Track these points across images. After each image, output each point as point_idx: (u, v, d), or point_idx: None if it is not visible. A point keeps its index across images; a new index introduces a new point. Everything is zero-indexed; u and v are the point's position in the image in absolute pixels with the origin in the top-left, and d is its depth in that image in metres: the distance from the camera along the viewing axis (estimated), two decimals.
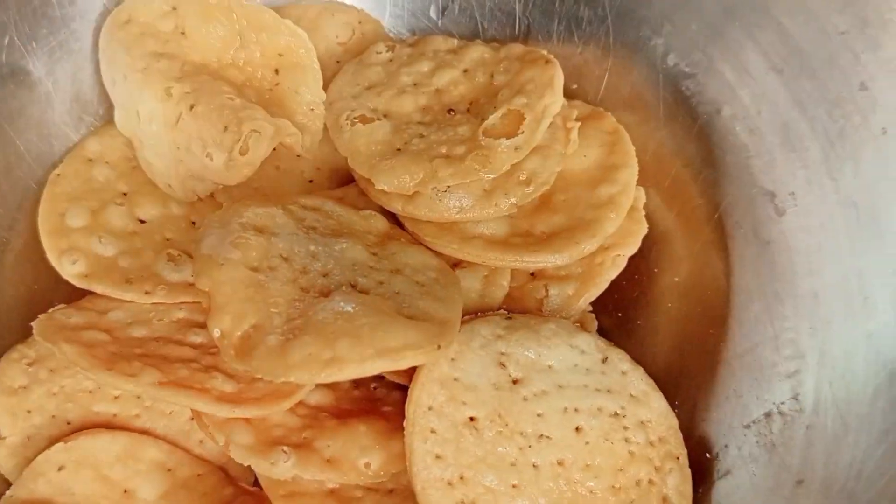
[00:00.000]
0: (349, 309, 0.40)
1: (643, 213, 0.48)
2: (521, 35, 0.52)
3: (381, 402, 0.45)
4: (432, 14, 0.53)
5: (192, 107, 0.46)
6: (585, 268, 0.48)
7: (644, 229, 0.48)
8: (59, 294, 0.47)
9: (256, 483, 0.45)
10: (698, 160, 0.47)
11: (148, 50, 0.48)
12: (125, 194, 0.50)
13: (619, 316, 0.49)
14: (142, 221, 0.50)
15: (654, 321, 0.48)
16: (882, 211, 0.39)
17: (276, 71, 0.51)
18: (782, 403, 0.42)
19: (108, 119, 0.52)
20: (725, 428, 0.44)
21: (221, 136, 0.46)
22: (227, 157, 0.46)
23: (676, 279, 0.48)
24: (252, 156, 0.45)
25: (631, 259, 0.48)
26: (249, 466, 0.44)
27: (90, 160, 0.51)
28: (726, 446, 0.43)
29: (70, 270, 0.47)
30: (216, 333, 0.40)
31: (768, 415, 0.42)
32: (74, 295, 0.47)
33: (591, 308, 0.48)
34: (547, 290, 0.47)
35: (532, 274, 0.48)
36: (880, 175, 0.39)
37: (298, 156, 0.51)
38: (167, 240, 0.49)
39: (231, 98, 0.46)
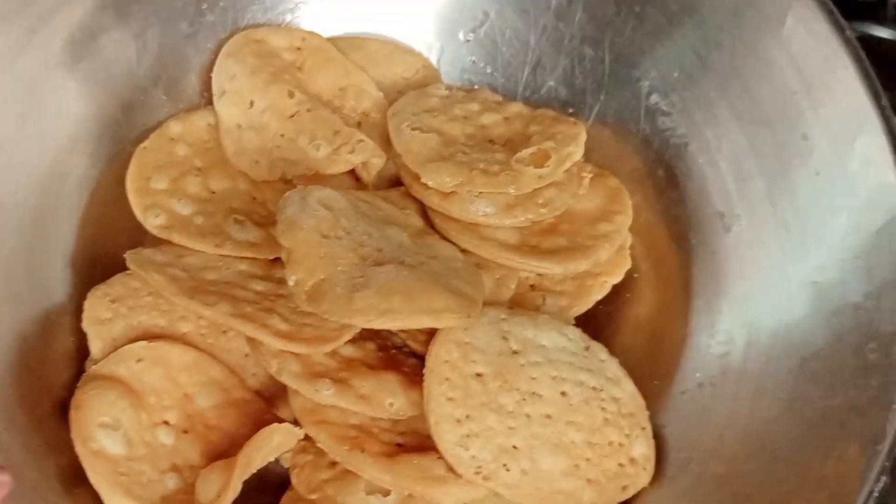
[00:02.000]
0: (403, 274, 0.50)
1: (629, 251, 0.60)
2: (531, 61, 0.64)
3: (401, 363, 0.54)
4: (461, 37, 0.65)
5: (309, 110, 0.58)
6: (577, 287, 0.59)
7: (628, 264, 0.59)
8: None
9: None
10: (664, 182, 0.60)
11: (275, 65, 0.60)
12: (200, 168, 0.60)
13: (594, 326, 0.59)
14: (212, 192, 0.59)
15: (622, 329, 0.60)
16: (809, 235, 0.52)
17: (359, 124, 0.63)
18: (713, 377, 0.54)
19: (189, 107, 0.62)
20: (666, 394, 0.55)
21: (332, 136, 0.58)
22: (331, 150, 0.58)
23: (642, 306, 0.60)
24: (354, 157, 0.58)
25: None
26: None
27: (172, 139, 0.60)
28: (665, 408, 0.55)
29: (153, 222, 0.56)
30: (292, 281, 0.49)
31: (701, 385, 0.54)
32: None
33: (574, 321, 0.58)
34: (544, 300, 0.58)
35: (532, 286, 0.59)
36: (811, 206, 0.52)
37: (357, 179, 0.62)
38: (233, 207, 0.59)
39: (341, 118, 0.59)
